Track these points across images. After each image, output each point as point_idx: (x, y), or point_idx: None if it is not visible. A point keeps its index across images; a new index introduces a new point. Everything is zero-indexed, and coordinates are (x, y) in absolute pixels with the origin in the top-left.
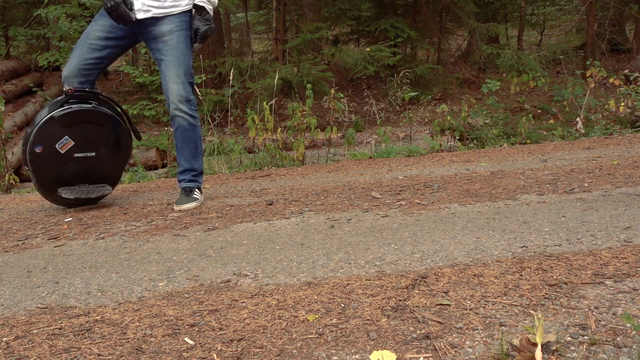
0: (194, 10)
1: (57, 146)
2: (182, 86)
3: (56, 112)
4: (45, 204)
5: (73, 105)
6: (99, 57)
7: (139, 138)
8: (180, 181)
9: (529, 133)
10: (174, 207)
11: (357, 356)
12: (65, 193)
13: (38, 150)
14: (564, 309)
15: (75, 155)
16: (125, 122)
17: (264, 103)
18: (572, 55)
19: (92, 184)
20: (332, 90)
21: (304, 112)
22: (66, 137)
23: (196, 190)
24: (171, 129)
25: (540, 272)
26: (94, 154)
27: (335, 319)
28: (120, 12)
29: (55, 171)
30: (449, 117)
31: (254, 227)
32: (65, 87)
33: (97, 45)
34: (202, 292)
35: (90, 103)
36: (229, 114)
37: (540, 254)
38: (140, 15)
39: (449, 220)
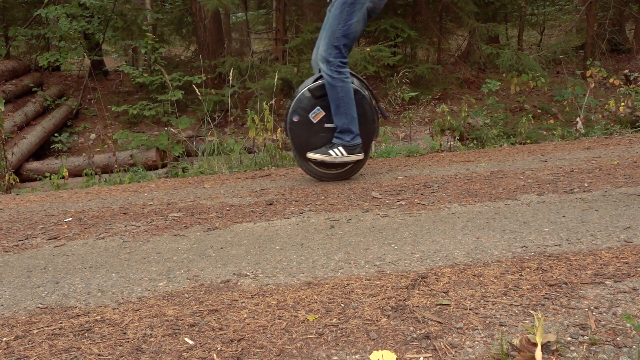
0: None
1: (310, 116)
2: (324, 47)
3: (311, 85)
4: (45, 204)
5: (323, 79)
6: None
7: (384, 117)
8: None
9: (529, 133)
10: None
11: (357, 356)
12: (311, 154)
13: (295, 119)
14: (564, 309)
15: (326, 125)
16: (372, 100)
17: (264, 103)
18: (572, 55)
19: None
20: None
21: None
22: (318, 107)
23: (339, 147)
24: (171, 129)
25: (540, 272)
26: None
27: (335, 319)
28: None
29: (308, 139)
30: (449, 117)
31: (254, 227)
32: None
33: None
34: (202, 292)
35: None
36: (229, 114)
37: (540, 254)
38: None
39: (449, 220)
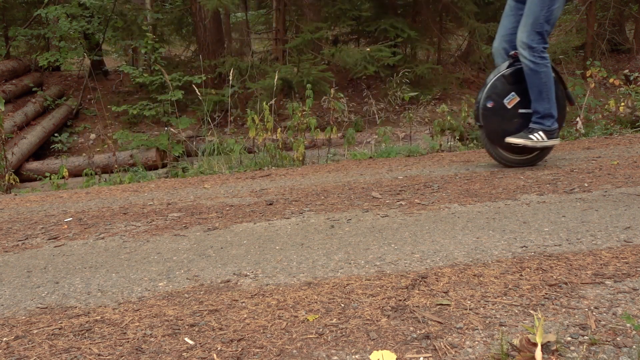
0: None
1: (504, 101)
2: (525, 34)
3: (505, 71)
4: (45, 204)
5: (518, 65)
6: (516, 22)
7: (572, 103)
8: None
9: None
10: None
11: (357, 356)
12: (512, 139)
13: (489, 105)
14: (564, 309)
15: (520, 111)
16: (561, 85)
17: (264, 103)
18: (572, 55)
19: None
20: (332, 90)
21: (303, 112)
22: (513, 93)
23: (539, 132)
24: (171, 129)
25: (540, 272)
26: None
27: (335, 319)
28: None
29: (501, 125)
30: (449, 117)
31: (254, 227)
32: (511, 52)
33: (510, 13)
34: (202, 292)
35: None
36: (229, 114)
37: (540, 254)
38: None
39: (449, 220)
